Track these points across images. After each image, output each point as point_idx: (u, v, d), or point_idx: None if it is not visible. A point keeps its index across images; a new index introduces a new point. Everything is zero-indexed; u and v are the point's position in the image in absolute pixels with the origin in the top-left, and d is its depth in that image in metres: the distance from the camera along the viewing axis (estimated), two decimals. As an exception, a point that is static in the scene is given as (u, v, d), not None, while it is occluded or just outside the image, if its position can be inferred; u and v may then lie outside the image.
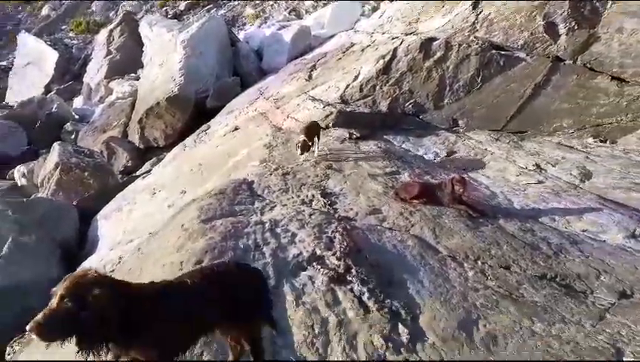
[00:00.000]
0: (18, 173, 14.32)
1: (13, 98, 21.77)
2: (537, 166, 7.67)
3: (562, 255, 5.04)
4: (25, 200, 10.88)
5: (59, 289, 2.25)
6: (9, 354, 6.99)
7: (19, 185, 13.84)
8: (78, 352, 2.29)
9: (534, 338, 3.62)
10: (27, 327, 2.17)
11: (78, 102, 20.38)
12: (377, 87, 10.26)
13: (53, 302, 2.23)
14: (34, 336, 2.20)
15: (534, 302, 4.13)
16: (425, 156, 8.41)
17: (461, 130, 9.61)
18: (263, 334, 3.09)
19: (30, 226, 9.83)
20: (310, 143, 7.78)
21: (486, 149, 8.62)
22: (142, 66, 18.45)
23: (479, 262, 4.80)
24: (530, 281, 4.50)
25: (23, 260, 9.12)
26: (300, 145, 7.69)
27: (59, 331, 2.22)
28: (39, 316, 2.19)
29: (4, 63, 26.73)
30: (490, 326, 3.73)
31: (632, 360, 3.41)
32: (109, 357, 2.47)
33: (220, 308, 2.72)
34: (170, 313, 2.50)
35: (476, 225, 5.61)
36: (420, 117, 9.83)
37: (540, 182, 7.10)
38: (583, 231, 5.57)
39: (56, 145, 13.17)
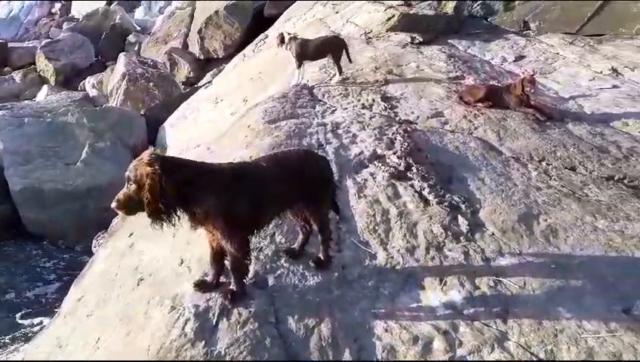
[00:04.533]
0: (89, 84, 15.05)
1: (78, 10, 22.26)
2: (614, 70, 7.22)
3: (633, 158, 4.91)
4: (98, 108, 11.49)
5: (126, 173, 2.55)
6: (95, 247, 7.81)
7: (90, 95, 14.55)
8: (151, 224, 2.57)
9: (596, 232, 3.65)
10: (112, 205, 2.55)
11: (138, 13, 20.63)
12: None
13: (125, 184, 2.56)
14: (118, 211, 2.60)
15: (598, 201, 4.10)
16: (492, 61, 8.07)
17: (532, 34, 9.07)
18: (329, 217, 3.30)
19: (104, 133, 10.51)
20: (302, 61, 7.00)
21: (558, 53, 8.15)
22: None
23: (543, 163, 4.75)
24: (596, 182, 4.44)
25: (100, 164, 9.87)
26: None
27: (132, 208, 2.55)
28: (119, 195, 2.55)
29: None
30: (550, 221, 3.77)
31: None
32: (188, 227, 2.75)
33: (291, 188, 2.92)
34: (243, 190, 2.71)
35: (543, 128, 5.49)
36: (489, 19, 9.30)
37: (615, 86, 6.74)
38: (659, 135, 5.32)
39: (122, 56, 13.63)
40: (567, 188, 4.31)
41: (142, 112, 12.02)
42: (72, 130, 10.16)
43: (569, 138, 5.29)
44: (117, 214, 6.91)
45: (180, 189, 2.53)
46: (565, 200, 4.08)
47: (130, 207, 2.54)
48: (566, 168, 4.69)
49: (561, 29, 8.94)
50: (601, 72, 7.24)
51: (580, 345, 2.66)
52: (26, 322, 6.72)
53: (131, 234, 4.37)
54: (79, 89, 15.36)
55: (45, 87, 15.37)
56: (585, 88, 6.81)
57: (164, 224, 2.56)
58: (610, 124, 5.72)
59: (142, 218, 2.63)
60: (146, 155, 2.53)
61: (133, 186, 2.50)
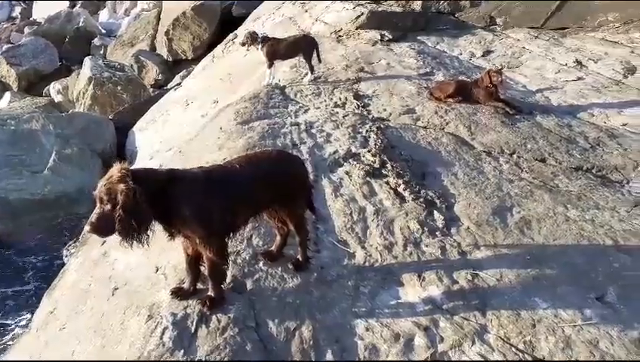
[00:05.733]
0: (54, 89, 14.59)
1: (39, 13, 21.58)
2: (578, 62, 7.39)
3: (599, 148, 5.03)
4: (64, 114, 11.17)
5: (97, 193, 2.46)
6: (65, 256, 7.60)
7: (55, 101, 14.13)
8: (121, 242, 2.49)
9: (568, 222, 3.72)
10: (85, 228, 2.46)
11: (103, 15, 20.15)
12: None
13: (97, 205, 2.46)
14: (93, 234, 2.57)
15: (569, 191, 4.19)
16: (460, 56, 8.17)
17: (498, 29, 9.22)
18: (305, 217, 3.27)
19: (71, 139, 10.20)
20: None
21: (524, 47, 8.30)
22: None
23: (514, 156, 4.83)
24: (566, 173, 4.54)
25: (68, 171, 9.58)
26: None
27: (108, 229, 2.45)
28: (92, 217, 2.45)
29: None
30: (524, 213, 3.84)
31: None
32: (165, 236, 2.70)
33: (266, 190, 2.89)
34: (217, 194, 2.67)
35: (512, 122, 5.58)
36: (456, 15, 9.42)
37: (579, 78, 6.90)
38: (623, 125, 5.48)
39: (87, 60, 13.25)
40: (539, 180, 4.39)
41: (110, 117, 11.71)
42: (38, 137, 9.84)
43: (538, 130, 5.40)
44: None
45: (155, 200, 2.48)
46: (537, 192, 4.16)
47: (107, 228, 2.46)
48: (536, 160, 4.78)
49: (526, 23, 9.11)
50: (566, 65, 7.41)
51: (557, 334, 2.71)
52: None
53: (104, 243, 4.26)
54: (44, 95, 14.88)
55: (8, 94, 14.85)
56: (551, 81, 6.95)
57: (135, 242, 2.49)
58: (577, 116, 5.86)
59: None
60: (115, 172, 2.46)
61: (108, 206, 2.42)
